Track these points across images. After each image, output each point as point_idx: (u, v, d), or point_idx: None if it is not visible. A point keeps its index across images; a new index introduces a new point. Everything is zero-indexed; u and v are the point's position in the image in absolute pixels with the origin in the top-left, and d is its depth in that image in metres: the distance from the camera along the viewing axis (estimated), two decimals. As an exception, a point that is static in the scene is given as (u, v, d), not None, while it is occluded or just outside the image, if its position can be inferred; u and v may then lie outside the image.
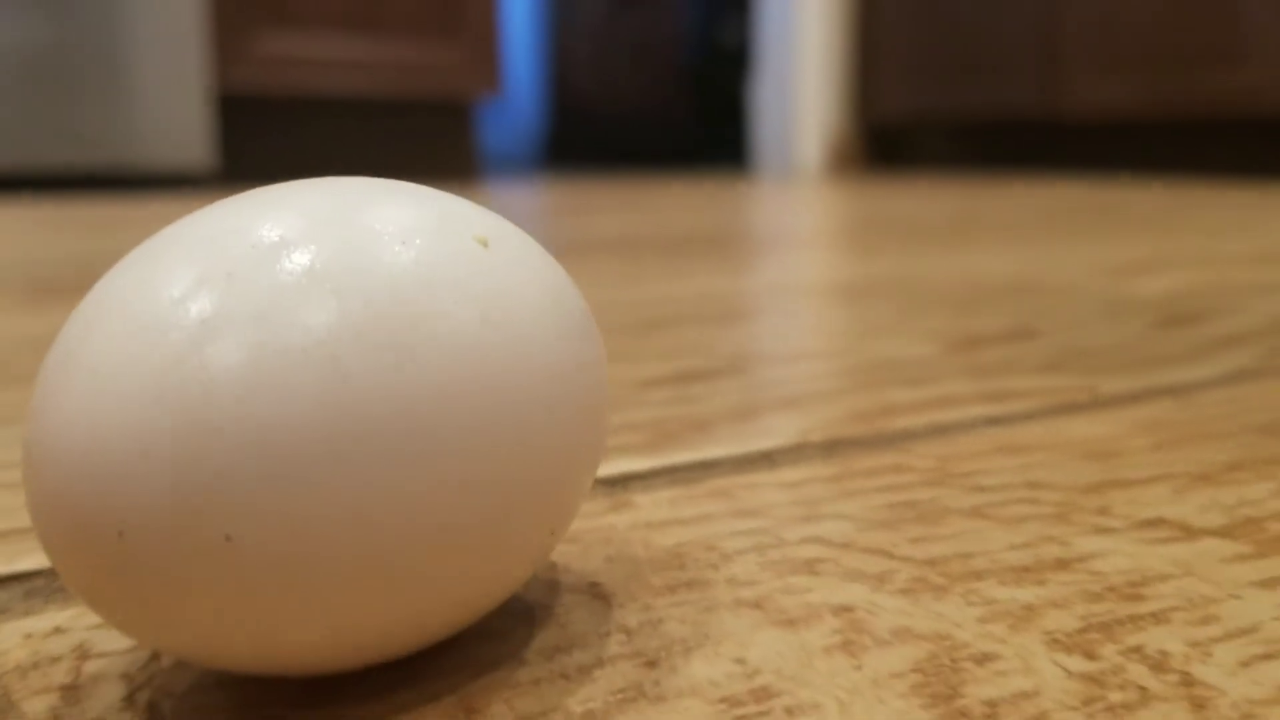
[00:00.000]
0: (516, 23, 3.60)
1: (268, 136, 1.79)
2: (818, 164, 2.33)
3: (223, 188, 1.65)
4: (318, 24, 1.74)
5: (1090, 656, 0.15)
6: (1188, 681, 0.14)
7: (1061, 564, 0.18)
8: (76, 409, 0.12)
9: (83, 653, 0.15)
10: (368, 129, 1.88)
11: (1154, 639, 0.15)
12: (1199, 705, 0.13)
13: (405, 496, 0.12)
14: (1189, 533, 0.19)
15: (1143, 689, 0.14)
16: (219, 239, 0.13)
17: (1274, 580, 0.17)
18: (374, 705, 0.13)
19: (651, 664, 0.14)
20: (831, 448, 0.24)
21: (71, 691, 0.14)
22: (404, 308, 0.12)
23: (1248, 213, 1.05)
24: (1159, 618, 0.16)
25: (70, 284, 0.55)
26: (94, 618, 0.16)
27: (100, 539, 0.12)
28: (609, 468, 0.23)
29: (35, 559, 0.18)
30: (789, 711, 0.13)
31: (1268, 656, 0.15)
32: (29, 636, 0.16)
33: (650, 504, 0.21)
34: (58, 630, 0.16)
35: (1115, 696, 0.14)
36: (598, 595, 0.17)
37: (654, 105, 3.06)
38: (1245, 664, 0.14)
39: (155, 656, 0.15)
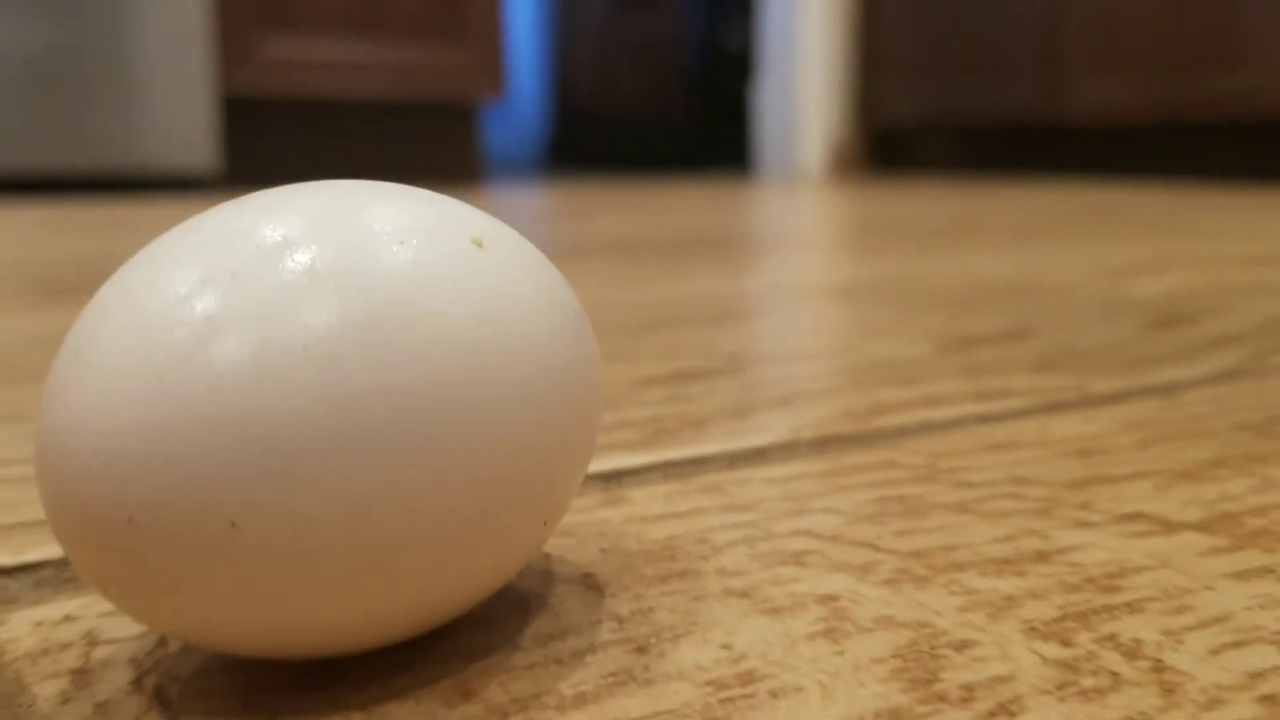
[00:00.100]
0: (519, 25, 3.61)
1: (272, 139, 1.80)
2: (819, 167, 2.34)
3: (227, 190, 1.66)
4: (322, 27, 1.74)
5: (1065, 644, 0.15)
6: (1158, 668, 0.14)
7: (1042, 556, 0.18)
8: (87, 403, 0.12)
9: (91, 639, 0.16)
10: (372, 131, 1.89)
11: (1128, 628, 0.16)
12: (1168, 690, 0.14)
13: (402, 488, 0.13)
14: (1168, 527, 0.20)
15: (1115, 674, 0.14)
16: (224, 240, 0.13)
17: (1248, 572, 0.18)
18: (373, 689, 0.14)
19: (641, 650, 0.15)
20: (823, 445, 0.25)
21: (81, 676, 0.14)
22: (402, 307, 0.13)
23: (1247, 215, 1.06)
24: (1134, 607, 0.16)
25: (75, 285, 0.55)
26: (102, 606, 0.17)
27: (110, 527, 0.12)
28: (605, 463, 0.23)
29: (44, 550, 0.19)
30: (773, 694, 0.14)
31: (1237, 644, 0.15)
32: (39, 624, 0.16)
33: (644, 498, 0.21)
34: (67, 618, 0.16)
35: (1088, 681, 0.14)
36: (591, 585, 0.17)
37: (656, 108, 3.07)
38: (1215, 651, 0.15)
39: (162, 642, 0.15)
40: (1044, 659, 0.15)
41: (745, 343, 0.38)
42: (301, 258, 0.13)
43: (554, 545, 0.19)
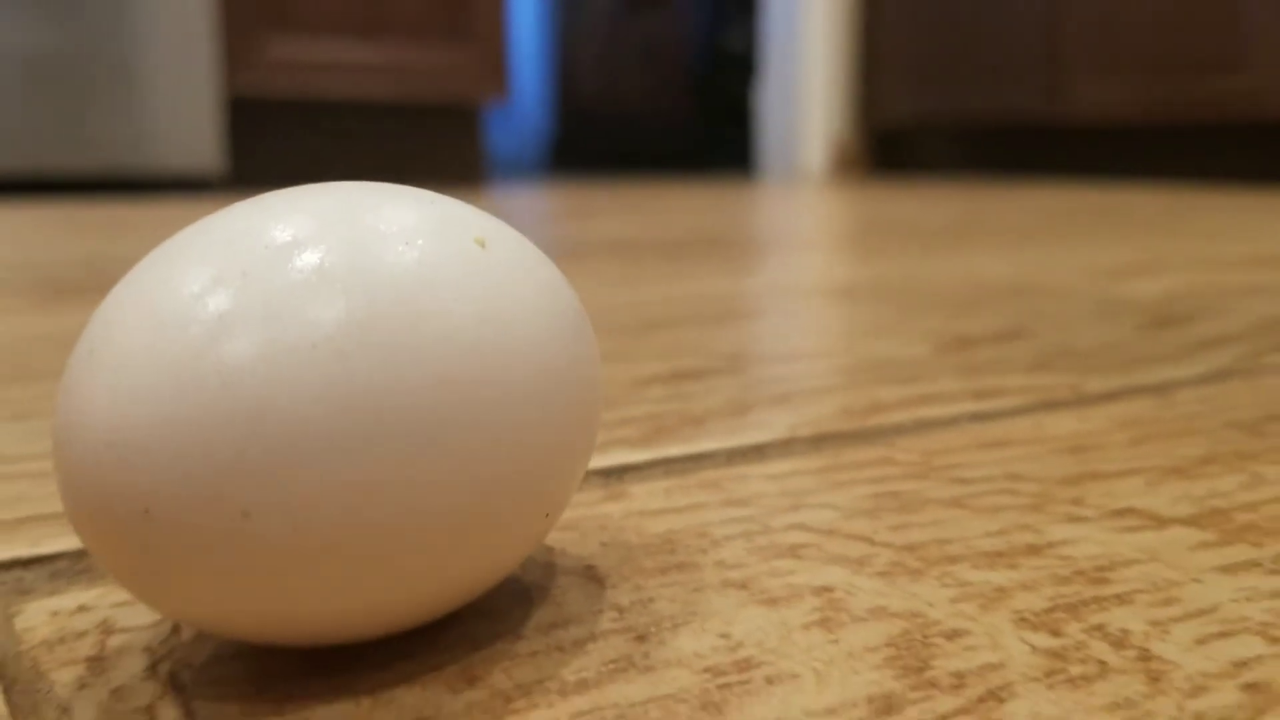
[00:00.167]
0: (523, 27, 3.61)
1: (276, 140, 1.80)
2: (822, 168, 2.34)
3: (232, 191, 1.66)
4: (326, 28, 1.75)
5: (1055, 634, 0.15)
6: (1145, 656, 0.15)
7: (1034, 550, 0.19)
8: (104, 398, 0.13)
9: (107, 628, 0.16)
10: (375, 132, 1.89)
11: (1117, 618, 0.16)
12: (1154, 678, 0.14)
13: (407, 481, 0.13)
14: (1158, 522, 0.20)
15: (1102, 663, 0.15)
16: (234, 241, 0.14)
17: (1235, 566, 0.18)
18: (381, 674, 0.14)
19: (641, 638, 0.15)
20: (820, 442, 0.25)
21: (97, 663, 0.15)
22: (406, 306, 0.13)
23: (1247, 216, 1.06)
24: (1123, 599, 0.17)
25: (83, 285, 0.56)
26: (116, 596, 0.17)
27: (127, 517, 0.13)
28: (606, 459, 0.24)
29: (59, 543, 0.19)
30: (769, 680, 0.14)
31: (1223, 635, 0.15)
32: (55, 614, 0.17)
33: (645, 494, 0.22)
34: (82, 608, 0.17)
35: (1076, 670, 0.14)
36: (592, 577, 0.17)
37: (659, 109, 3.08)
38: (1201, 641, 0.15)
39: (175, 630, 0.16)
40: (1033, 648, 0.15)
41: (745, 342, 0.38)
42: (310, 258, 0.13)
43: (556, 539, 0.19)
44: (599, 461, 0.24)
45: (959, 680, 0.14)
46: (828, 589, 0.17)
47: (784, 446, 0.25)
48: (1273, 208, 1.19)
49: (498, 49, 1.90)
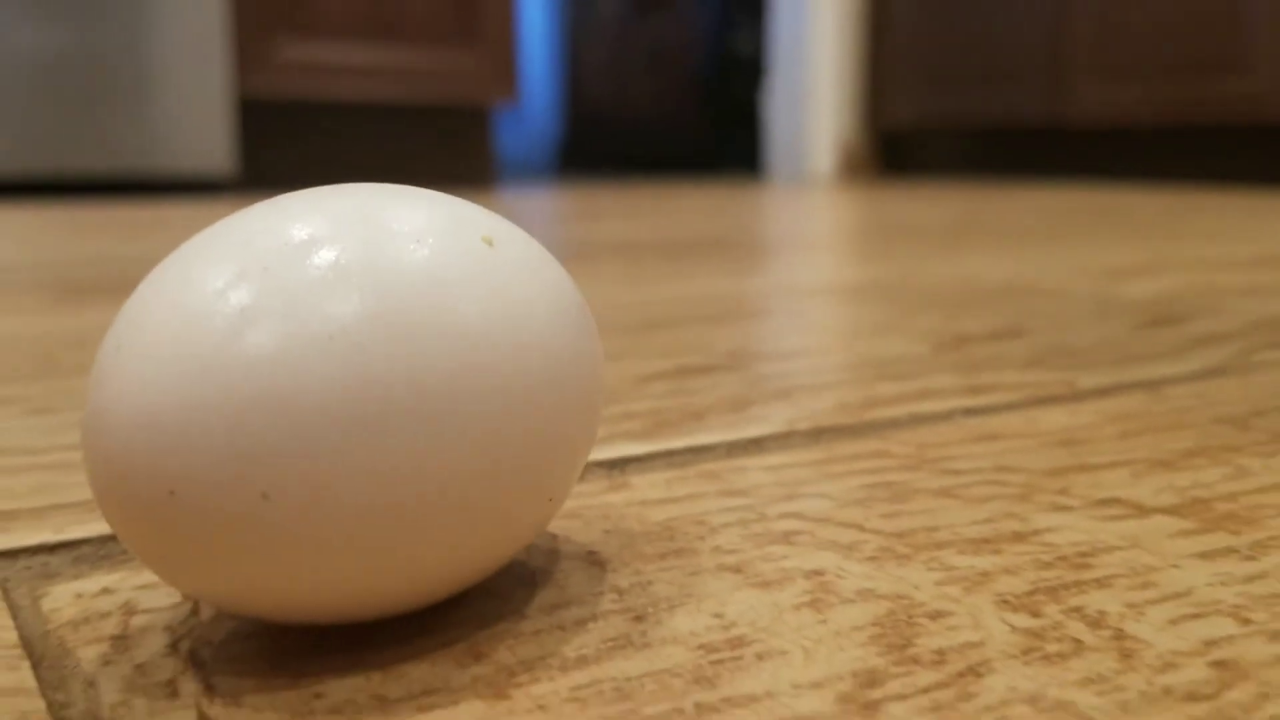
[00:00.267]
0: (532, 30, 3.63)
1: (288, 142, 1.82)
2: (829, 170, 2.35)
3: (243, 193, 1.67)
4: (337, 31, 1.76)
5: (1034, 615, 0.16)
6: (1119, 636, 0.16)
7: (1018, 537, 0.19)
8: (131, 386, 0.14)
9: (129, 609, 0.17)
10: (386, 135, 1.91)
11: (1094, 601, 0.17)
12: (1126, 655, 0.15)
13: (417, 466, 0.14)
14: (1141, 511, 0.21)
15: (1078, 641, 0.15)
16: (254, 239, 0.14)
17: (1213, 552, 0.19)
18: (392, 651, 0.15)
19: (639, 618, 0.16)
20: (817, 435, 0.26)
21: (120, 641, 0.16)
22: (418, 301, 0.14)
23: (1247, 218, 1.07)
24: (1102, 583, 0.17)
25: (98, 284, 0.57)
26: (138, 579, 0.18)
27: (153, 499, 0.13)
28: (609, 451, 0.25)
29: (82, 529, 0.20)
30: (759, 656, 0.15)
31: (1196, 616, 0.16)
32: (79, 596, 0.17)
33: (646, 484, 0.22)
34: (105, 590, 0.17)
35: (1052, 648, 0.15)
36: (594, 562, 0.18)
37: (668, 112, 3.08)
38: (1174, 622, 0.16)
39: (195, 610, 0.17)
40: (1013, 628, 0.16)
41: (746, 341, 0.39)
42: (327, 255, 0.14)
43: (560, 526, 0.20)
44: (603, 453, 0.25)
45: (940, 657, 0.15)
46: (818, 573, 0.18)
47: (782, 440, 0.26)
48: (1273, 209, 1.20)
49: (507, 52, 1.91)
